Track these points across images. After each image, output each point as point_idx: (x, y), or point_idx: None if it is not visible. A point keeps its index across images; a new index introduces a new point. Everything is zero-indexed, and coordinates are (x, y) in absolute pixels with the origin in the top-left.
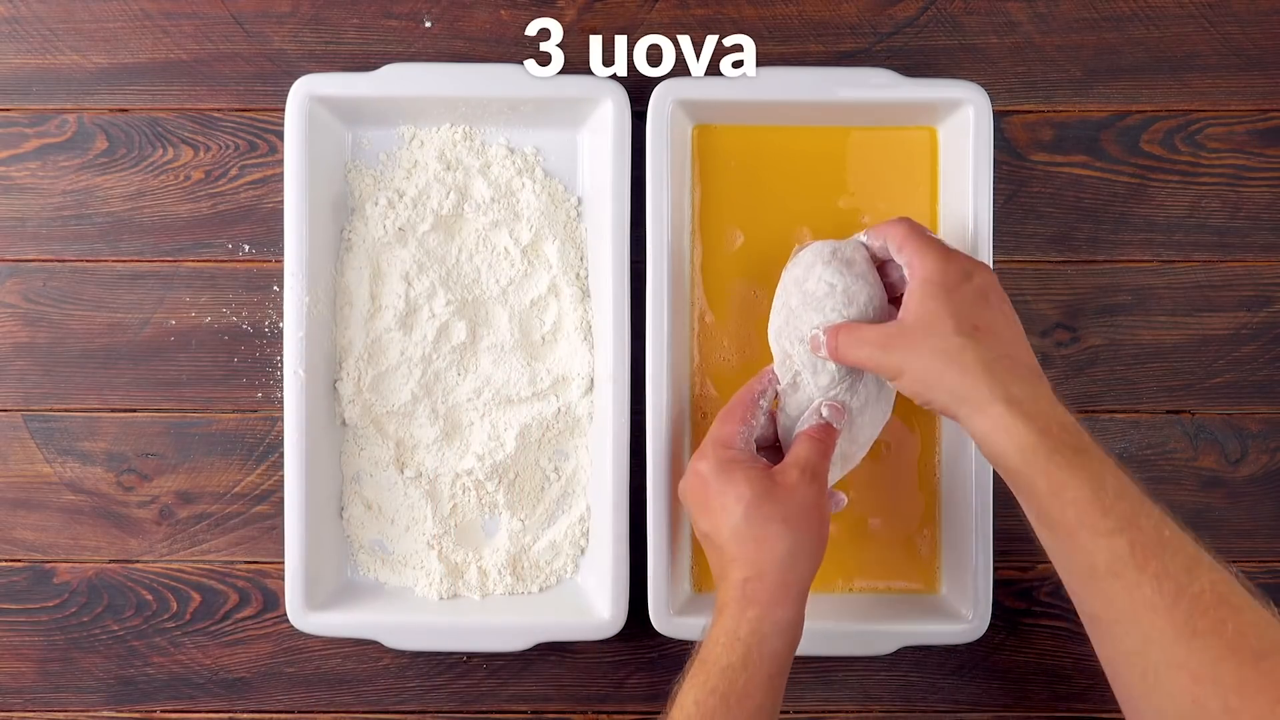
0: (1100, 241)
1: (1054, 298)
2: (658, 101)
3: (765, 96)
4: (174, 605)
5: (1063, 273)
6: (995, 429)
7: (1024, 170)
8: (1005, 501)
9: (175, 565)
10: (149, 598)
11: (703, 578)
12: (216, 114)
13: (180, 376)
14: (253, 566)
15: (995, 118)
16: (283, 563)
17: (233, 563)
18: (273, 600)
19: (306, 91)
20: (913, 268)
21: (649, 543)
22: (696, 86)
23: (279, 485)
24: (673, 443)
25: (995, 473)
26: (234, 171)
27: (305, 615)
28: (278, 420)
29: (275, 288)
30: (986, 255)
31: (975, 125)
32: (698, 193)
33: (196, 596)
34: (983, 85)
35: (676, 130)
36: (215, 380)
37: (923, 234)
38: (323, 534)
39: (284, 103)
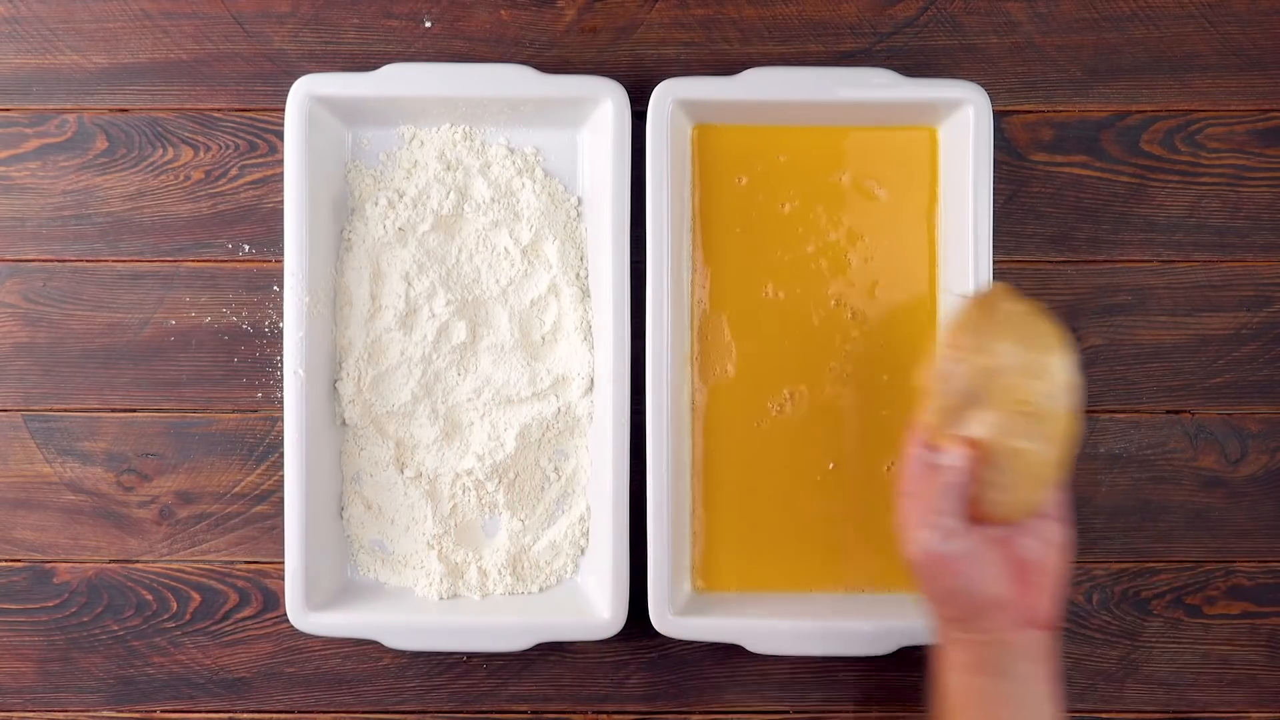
0: (1100, 241)
1: (1054, 298)
2: (658, 101)
3: (765, 96)
4: (174, 605)
5: (1063, 273)
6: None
7: (1024, 170)
8: None
9: (175, 565)
10: (149, 598)
11: (709, 575)
12: (216, 114)
13: (180, 376)
14: (252, 566)
15: (995, 118)
16: (283, 563)
17: (233, 563)
18: (273, 600)
19: (307, 91)
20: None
21: (649, 541)
22: (696, 86)
23: (279, 485)
24: (673, 442)
25: None
26: (234, 171)
27: (305, 615)
28: (278, 420)
29: (275, 288)
30: (986, 257)
31: (975, 125)
32: (698, 193)
33: (196, 596)
34: (983, 85)
35: (676, 130)
36: (215, 380)
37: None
38: (323, 534)
39: (284, 102)
